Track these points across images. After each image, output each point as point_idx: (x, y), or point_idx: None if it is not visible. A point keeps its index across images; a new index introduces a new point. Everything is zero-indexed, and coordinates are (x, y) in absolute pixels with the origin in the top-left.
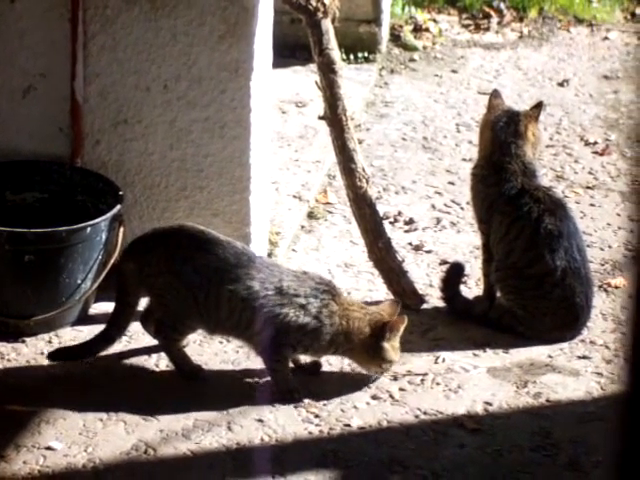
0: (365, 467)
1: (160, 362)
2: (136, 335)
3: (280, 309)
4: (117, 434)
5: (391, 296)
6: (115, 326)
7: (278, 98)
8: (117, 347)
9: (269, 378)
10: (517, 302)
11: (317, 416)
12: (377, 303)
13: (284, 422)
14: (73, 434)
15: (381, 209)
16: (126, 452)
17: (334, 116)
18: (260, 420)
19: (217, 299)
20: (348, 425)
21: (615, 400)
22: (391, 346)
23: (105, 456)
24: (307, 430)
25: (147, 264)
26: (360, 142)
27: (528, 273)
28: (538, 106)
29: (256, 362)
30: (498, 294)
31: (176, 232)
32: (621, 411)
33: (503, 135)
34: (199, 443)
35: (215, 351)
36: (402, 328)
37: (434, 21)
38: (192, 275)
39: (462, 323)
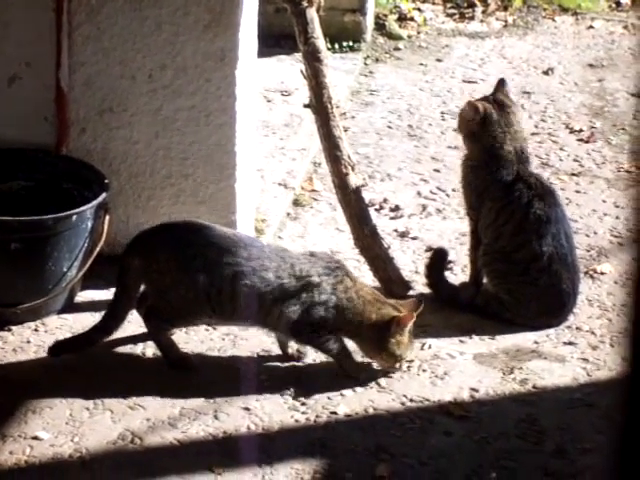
0: (352, 455)
1: (147, 350)
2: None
3: (298, 293)
4: (103, 423)
5: (377, 283)
6: (114, 318)
7: (263, 87)
8: None
9: (251, 366)
10: (503, 287)
11: (304, 404)
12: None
13: (271, 410)
14: (60, 424)
15: (367, 196)
16: (112, 441)
17: (319, 104)
18: (247, 408)
19: (232, 293)
20: (335, 413)
21: (604, 385)
22: (397, 341)
23: (92, 445)
24: (294, 418)
25: (155, 261)
26: (345, 130)
27: (515, 258)
28: (501, 83)
29: (242, 349)
30: (485, 280)
31: (183, 229)
32: (623, 391)
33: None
34: (185, 432)
35: (201, 338)
36: (409, 325)
37: (419, 10)
38: (202, 272)
39: (448, 310)
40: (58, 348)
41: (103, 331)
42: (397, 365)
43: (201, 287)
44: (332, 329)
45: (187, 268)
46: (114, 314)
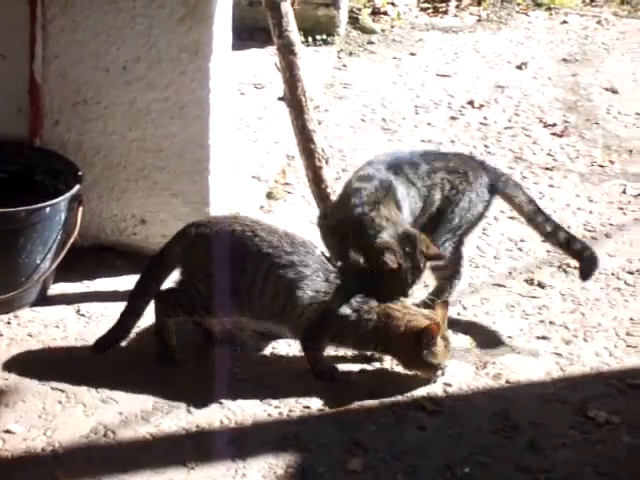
0: (325, 450)
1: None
2: (95, 316)
3: (326, 296)
4: (76, 417)
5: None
6: (142, 299)
7: (237, 80)
8: (76, 328)
9: (225, 360)
10: None
11: (277, 398)
12: None
13: (244, 404)
14: (32, 417)
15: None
16: (85, 435)
17: (293, 97)
18: (220, 403)
19: (263, 285)
20: (308, 407)
21: (577, 380)
22: (431, 352)
23: (64, 439)
24: (267, 412)
25: (199, 247)
26: (319, 123)
27: None
28: None
29: (216, 343)
30: None
31: (230, 221)
32: None
33: None
34: (159, 426)
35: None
36: (437, 334)
37: (392, 4)
38: (240, 264)
39: None
40: (103, 345)
41: (135, 314)
42: (439, 373)
43: (233, 276)
44: (341, 343)
45: (224, 259)
46: (141, 295)
